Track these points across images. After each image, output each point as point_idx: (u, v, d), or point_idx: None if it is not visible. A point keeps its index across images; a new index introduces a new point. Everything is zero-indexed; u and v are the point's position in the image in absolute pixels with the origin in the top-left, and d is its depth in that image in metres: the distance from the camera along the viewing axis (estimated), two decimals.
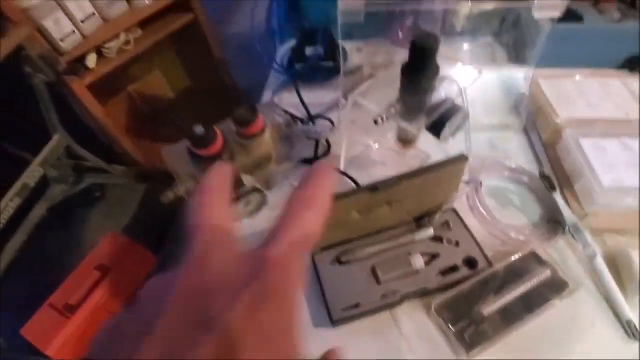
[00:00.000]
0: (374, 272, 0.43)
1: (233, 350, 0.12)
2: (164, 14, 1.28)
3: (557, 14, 0.46)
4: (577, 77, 0.56)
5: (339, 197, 0.39)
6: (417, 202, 0.44)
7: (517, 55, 0.70)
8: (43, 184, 1.24)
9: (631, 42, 0.62)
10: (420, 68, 0.39)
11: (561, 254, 0.45)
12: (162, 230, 1.22)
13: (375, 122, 0.43)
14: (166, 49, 1.55)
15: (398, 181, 0.39)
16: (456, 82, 0.48)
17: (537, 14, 0.46)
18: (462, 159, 0.41)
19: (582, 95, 0.53)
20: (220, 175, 0.18)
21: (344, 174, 0.50)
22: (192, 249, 0.15)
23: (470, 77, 0.47)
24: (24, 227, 1.20)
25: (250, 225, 0.47)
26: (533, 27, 0.64)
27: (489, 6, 0.55)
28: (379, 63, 0.65)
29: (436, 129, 0.41)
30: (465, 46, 0.73)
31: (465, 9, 0.64)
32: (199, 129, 0.31)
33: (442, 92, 0.46)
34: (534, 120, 0.57)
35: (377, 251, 0.45)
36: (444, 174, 0.41)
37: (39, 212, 1.24)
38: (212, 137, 0.32)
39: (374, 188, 0.39)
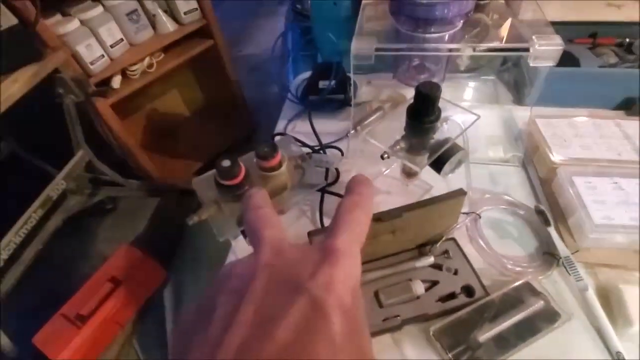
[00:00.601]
0: (376, 296, 0.46)
1: (320, 309, 0.15)
2: (185, 38, 1.36)
3: (552, 63, 0.50)
4: (573, 118, 0.60)
5: None
6: (419, 231, 0.48)
7: (517, 93, 0.74)
8: (61, 196, 1.29)
9: (627, 84, 0.66)
10: (423, 112, 0.43)
11: (555, 285, 0.47)
12: (172, 244, 1.26)
13: (382, 157, 0.47)
14: (184, 70, 1.64)
15: (401, 212, 0.43)
16: (458, 123, 0.52)
17: (533, 63, 0.50)
18: (461, 193, 0.44)
19: (577, 135, 0.57)
20: (263, 196, 0.23)
21: (330, 192, 0.54)
22: (263, 243, 0.19)
23: (470, 119, 0.51)
24: (39, 237, 1.24)
25: None
26: (532, 68, 0.69)
27: (469, 51, 0.60)
28: (386, 97, 0.70)
29: (437, 166, 0.45)
30: (469, 84, 0.78)
31: (468, 50, 0.69)
32: (226, 162, 0.36)
33: (445, 131, 0.51)
34: (531, 156, 0.60)
35: (380, 276, 0.48)
36: (444, 206, 0.45)
37: (55, 222, 1.30)
38: (236, 170, 0.36)
39: (378, 218, 0.43)
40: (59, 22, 1.07)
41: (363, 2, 0.64)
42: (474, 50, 0.53)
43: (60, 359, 0.89)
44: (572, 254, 0.47)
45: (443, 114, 0.46)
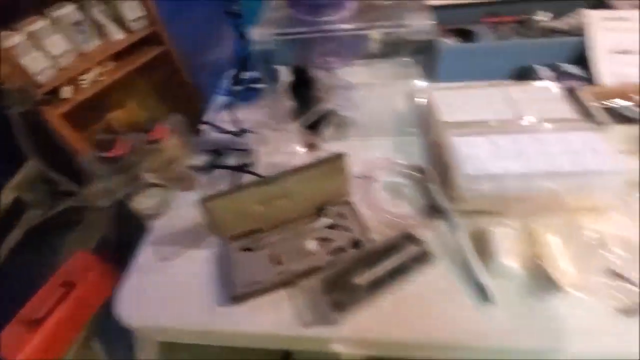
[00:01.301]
0: (274, 256, 0.50)
1: None
2: (135, 46, 1.39)
3: (427, 37, 0.56)
4: (465, 89, 0.65)
5: (236, 190, 0.47)
6: (310, 195, 0.52)
7: (429, 72, 0.80)
8: (20, 209, 1.30)
9: (519, 54, 0.72)
10: (301, 85, 0.48)
11: (436, 233, 0.52)
12: (131, 245, 1.28)
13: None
14: (140, 77, 1.67)
15: (283, 175, 0.47)
16: (349, 97, 0.57)
17: (410, 37, 0.56)
18: (338, 156, 0.49)
19: (466, 102, 0.62)
20: None
21: (254, 173, 0.58)
22: None
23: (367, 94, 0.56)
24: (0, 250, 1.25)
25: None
26: (437, 49, 0.74)
27: (376, 35, 0.65)
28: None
29: (316, 129, 0.49)
30: (385, 66, 0.83)
31: (375, 35, 0.75)
32: (101, 135, 0.39)
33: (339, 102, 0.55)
34: (427, 125, 0.65)
35: (279, 239, 0.52)
36: (325, 169, 0.49)
37: (15, 236, 1.30)
38: (114, 142, 0.40)
39: (262, 181, 0.47)
40: (4, 36, 1.10)
41: None
42: (365, 30, 0.58)
43: None
44: (451, 204, 0.52)
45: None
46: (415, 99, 0.70)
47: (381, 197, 0.56)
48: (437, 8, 0.77)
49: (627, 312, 0.42)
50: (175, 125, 0.42)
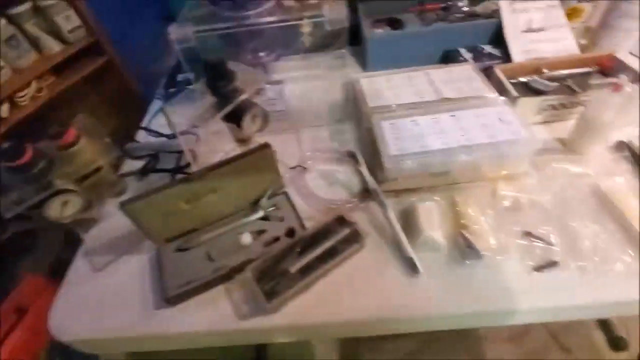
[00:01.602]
0: (209, 253, 0.50)
1: None
2: (77, 58, 1.34)
3: (344, 25, 0.57)
4: (392, 75, 0.68)
5: (156, 191, 0.46)
6: (242, 188, 0.52)
7: (362, 62, 0.82)
8: None
9: (443, 39, 0.75)
10: (217, 79, 0.48)
11: (368, 214, 0.53)
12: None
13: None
14: (87, 90, 1.61)
15: (206, 171, 0.47)
16: (279, 87, 0.57)
17: (328, 27, 0.57)
18: (263, 146, 0.49)
19: (391, 87, 0.65)
20: None
21: (189, 174, 0.57)
22: None
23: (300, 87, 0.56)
24: None
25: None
26: (365, 39, 0.76)
27: (307, 28, 0.67)
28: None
29: (233, 119, 0.49)
30: (321, 59, 0.84)
31: (305, 28, 0.76)
32: (6, 144, 0.38)
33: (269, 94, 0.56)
34: (359, 112, 0.67)
35: (214, 236, 0.52)
36: (252, 161, 0.49)
37: None
38: (20, 151, 0.38)
39: (184, 179, 0.46)
40: None
41: None
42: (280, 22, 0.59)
43: None
44: (380, 185, 0.54)
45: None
46: (347, 88, 0.72)
47: (316, 185, 0.58)
48: None
49: (540, 268, 0.45)
50: (86, 127, 0.41)
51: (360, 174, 0.57)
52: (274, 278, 0.45)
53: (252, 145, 0.61)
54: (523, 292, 0.44)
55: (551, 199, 0.52)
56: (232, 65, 0.55)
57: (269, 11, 0.62)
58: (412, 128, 0.56)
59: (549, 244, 0.47)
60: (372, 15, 0.84)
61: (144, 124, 0.76)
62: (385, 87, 0.65)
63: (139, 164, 0.66)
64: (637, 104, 0.54)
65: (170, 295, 0.46)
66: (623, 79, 0.59)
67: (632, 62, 0.66)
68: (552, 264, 0.45)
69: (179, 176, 0.61)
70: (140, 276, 0.51)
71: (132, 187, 0.62)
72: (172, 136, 0.68)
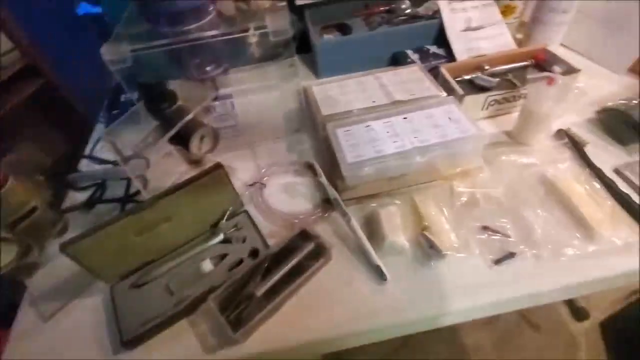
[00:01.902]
0: (169, 285, 0.47)
1: None
2: (13, 82, 1.24)
3: (289, 35, 0.56)
4: (343, 81, 0.68)
5: (102, 227, 0.43)
6: (196, 212, 0.50)
7: (314, 69, 0.81)
8: None
9: (390, 42, 0.76)
10: (155, 100, 0.45)
11: (332, 225, 0.53)
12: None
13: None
14: (27, 116, 1.48)
15: (156, 200, 0.44)
16: (229, 101, 0.55)
17: (273, 37, 0.56)
18: (216, 167, 0.47)
19: (343, 94, 0.65)
20: None
21: (136, 201, 0.54)
22: None
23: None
24: None
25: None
26: (314, 46, 0.76)
27: (254, 39, 0.65)
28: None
29: (184, 144, 0.47)
30: (272, 69, 0.83)
31: (252, 39, 0.74)
32: None
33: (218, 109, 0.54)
34: (313, 121, 0.66)
35: (172, 266, 0.49)
36: (205, 183, 0.47)
37: None
38: None
39: (132, 210, 0.43)
40: None
41: (126, 10, 0.65)
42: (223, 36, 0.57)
43: None
44: (341, 194, 0.54)
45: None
46: (300, 97, 0.71)
47: (277, 200, 0.56)
48: (314, 5, 0.79)
49: (499, 261, 0.47)
50: (16, 166, 0.37)
51: (320, 184, 0.57)
52: (239, 305, 0.43)
53: (206, 165, 0.58)
54: (486, 286, 0.45)
55: (504, 190, 0.54)
56: (174, 84, 0.52)
57: (210, 24, 0.60)
58: (367, 133, 0.56)
59: (506, 235, 0.49)
60: (319, 22, 0.84)
61: (87, 150, 0.71)
62: (338, 93, 0.65)
63: (85, 195, 0.61)
64: (570, 93, 0.58)
65: (128, 339, 0.43)
66: (556, 70, 0.63)
67: (563, 53, 0.70)
68: (509, 255, 0.47)
69: (129, 206, 0.57)
70: (95, 321, 0.47)
71: (78, 222, 0.57)
72: (118, 162, 0.64)
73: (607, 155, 0.56)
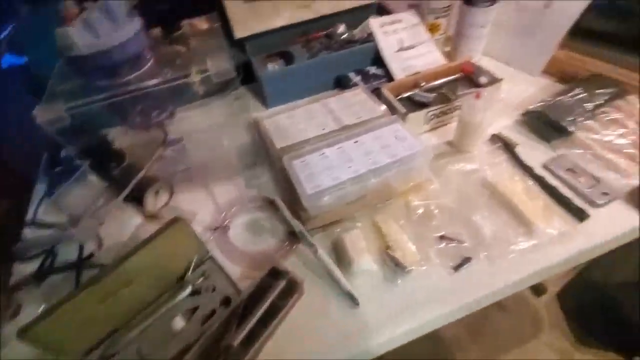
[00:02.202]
0: (139, 352, 0.45)
1: None
2: None
3: (231, 75, 0.57)
4: (292, 110, 0.69)
5: (60, 304, 0.40)
6: (159, 269, 0.48)
7: (262, 99, 0.82)
8: None
9: (331, 66, 0.79)
10: (105, 162, 0.44)
11: (301, 256, 0.54)
12: None
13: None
14: None
15: (115, 266, 0.43)
16: (180, 145, 0.55)
17: (215, 79, 0.56)
18: (174, 221, 0.46)
19: (294, 124, 0.66)
20: None
21: (97, 265, 0.51)
22: None
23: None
24: None
25: None
26: (260, 78, 0.77)
27: (196, 78, 0.65)
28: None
29: (135, 198, 0.46)
30: (218, 104, 0.82)
31: (195, 78, 0.74)
32: None
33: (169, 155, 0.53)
34: (269, 153, 0.67)
35: (142, 329, 0.47)
36: (164, 239, 0.46)
37: None
38: None
39: (93, 280, 0.41)
40: None
41: (57, 66, 0.62)
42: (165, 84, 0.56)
43: None
44: (305, 224, 0.55)
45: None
46: (252, 131, 0.72)
47: (242, 240, 0.56)
48: (254, 37, 0.80)
49: (457, 267, 0.50)
50: None
51: (283, 219, 0.57)
52: (217, 359, 0.43)
53: (163, 216, 0.57)
54: (449, 293, 0.49)
55: (454, 198, 0.58)
56: (118, 133, 0.51)
57: (150, 72, 0.59)
58: (322, 162, 0.58)
59: (461, 242, 0.53)
60: (262, 51, 0.85)
61: (29, 215, 0.66)
62: (289, 124, 0.66)
63: (34, 266, 0.57)
64: (496, 101, 0.64)
65: None
66: (482, 81, 0.69)
67: (486, 63, 0.78)
68: (466, 261, 0.51)
69: (85, 272, 0.54)
70: None
71: (31, 298, 0.53)
72: (66, 225, 0.60)
73: (535, 153, 0.63)
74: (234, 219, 0.58)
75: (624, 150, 0.59)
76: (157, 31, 0.68)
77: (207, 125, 0.76)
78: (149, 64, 0.59)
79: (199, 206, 0.60)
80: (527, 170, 0.59)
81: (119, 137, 0.70)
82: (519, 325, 1.23)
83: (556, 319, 1.24)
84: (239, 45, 0.82)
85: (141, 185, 0.46)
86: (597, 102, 0.63)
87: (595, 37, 0.72)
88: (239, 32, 0.79)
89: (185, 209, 0.59)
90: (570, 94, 0.66)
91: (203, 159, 0.64)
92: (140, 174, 0.47)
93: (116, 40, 0.52)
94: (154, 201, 0.47)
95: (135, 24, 0.56)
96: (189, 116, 0.77)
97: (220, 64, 0.56)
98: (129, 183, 0.45)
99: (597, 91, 0.65)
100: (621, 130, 0.61)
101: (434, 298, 0.48)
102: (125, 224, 0.60)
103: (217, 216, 0.58)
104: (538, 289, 1.24)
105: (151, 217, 0.53)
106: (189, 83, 0.72)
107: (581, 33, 0.71)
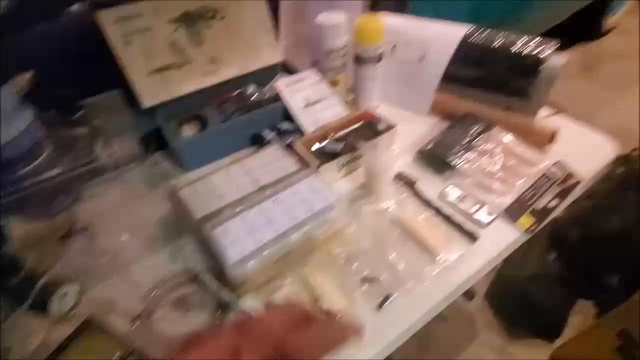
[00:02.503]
0: None
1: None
2: None
3: (132, 163, 0.57)
4: (209, 176, 0.70)
5: None
6: None
7: (180, 163, 0.82)
8: None
9: (246, 126, 0.83)
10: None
11: None
12: None
13: None
14: None
15: None
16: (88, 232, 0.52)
17: (123, 165, 0.56)
18: (85, 325, 0.44)
19: (212, 189, 0.67)
20: None
21: None
22: None
23: None
24: None
25: None
26: (174, 146, 0.77)
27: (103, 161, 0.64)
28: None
29: (38, 306, 0.43)
30: (133, 172, 0.80)
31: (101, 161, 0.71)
32: None
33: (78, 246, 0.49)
34: (190, 223, 0.67)
35: None
36: (78, 347, 0.43)
37: None
38: None
39: None
40: None
41: None
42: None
43: None
44: (235, 291, 0.55)
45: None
46: (171, 201, 0.71)
47: (170, 322, 0.54)
48: (167, 103, 0.81)
49: (380, 305, 0.55)
50: None
51: (215, 291, 0.57)
52: None
53: (77, 315, 0.53)
54: (377, 331, 0.53)
55: (371, 239, 0.64)
56: (16, 228, 0.47)
57: (49, 161, 0.56)
58: (243, 226, 0.60)
59: (379, 281, 0.58)
60: (174, 117, 0.86)
61: None
62: (207, 190, 0.67)
63: None
64: (394, 144, 0.73)
65: None
66: (380, 128, 0.79)
67: (383, 109, 0.89)
68: (387, 298, 0.55)
69: None
70: None
71: None
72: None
73: (432, 185, 0.72)
74: (158, 302, 0.56)
75: (497, 175, 0.71)
76: (54, 115, 0.65)
77: (122, 199, 0.73)
78: (46, 154, 0.56)
79: (118, 294, 0.57)
80: (427, 203, 0.68)
81: (18, 229, 0.64)
82: (459, 331, 1.34)
83: (488, 318, 1.37)
84: (150, 113, 0.82)
85: (46, 292, 0.42)
86: (471, 137, 0.76)
87: (464, 81, 0.87)
88: (147, 102, 0.79)
89: (102, 301, 0.55)
90: (450, 132, 0.78)
91: (119, 240, 0.61)
92: (42, 280, 0.43)
93: (6, 137, 0.49)
94: (59, 306, 0.43)
95: (26, 116, 0.53)
96: (101, 193, 0.73)
97: (126, 147, 0.56)
98: (31, 291, 0.41)
99: (470, 127, 0.78)
100: (493, 158, 0.74)
101: (365, 340, 0.52)
102: (33, 329, 0.54)
103: (139, 300, 0.56)
104: (468, 293, 1.36)
105: (61, 321, 0.49)
106: (94, 168, 0.69)
107: (452, 79, 0.86)
